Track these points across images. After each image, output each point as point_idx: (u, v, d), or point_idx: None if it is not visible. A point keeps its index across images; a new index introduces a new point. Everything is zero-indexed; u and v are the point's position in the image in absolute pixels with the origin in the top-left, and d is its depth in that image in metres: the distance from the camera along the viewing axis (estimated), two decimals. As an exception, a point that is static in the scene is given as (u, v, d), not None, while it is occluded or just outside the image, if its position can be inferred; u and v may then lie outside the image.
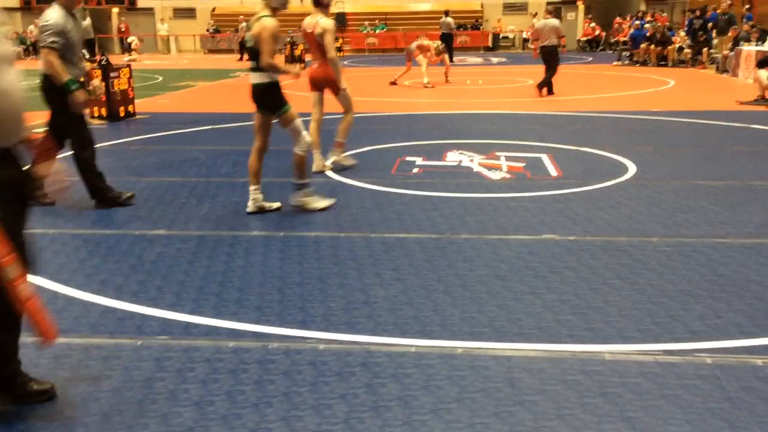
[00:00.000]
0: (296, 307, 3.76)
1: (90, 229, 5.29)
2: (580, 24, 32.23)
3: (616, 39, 25.39)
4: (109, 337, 3.42)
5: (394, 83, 16.11)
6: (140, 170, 7.27)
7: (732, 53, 17.02)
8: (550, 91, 13.17)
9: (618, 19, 27.25)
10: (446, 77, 16.39)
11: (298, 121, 5.55)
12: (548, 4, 33.36)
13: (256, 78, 5.40)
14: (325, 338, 3.39)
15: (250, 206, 5.62)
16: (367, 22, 34.68)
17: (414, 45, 15.80)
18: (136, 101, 11.63)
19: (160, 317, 3.64)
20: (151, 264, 4.46)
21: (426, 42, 15.70)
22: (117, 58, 21.47)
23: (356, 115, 7.53)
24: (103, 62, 10.94)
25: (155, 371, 3.05)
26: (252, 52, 5.32)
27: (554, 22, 12.93)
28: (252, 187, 5.61)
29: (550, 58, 12.83)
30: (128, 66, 11.58)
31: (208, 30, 35.04)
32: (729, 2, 19.89)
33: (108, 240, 4.98)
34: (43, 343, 2.71)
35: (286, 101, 5.47)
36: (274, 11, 5.31)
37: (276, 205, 5.71)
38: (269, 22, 5.21)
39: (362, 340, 3.37)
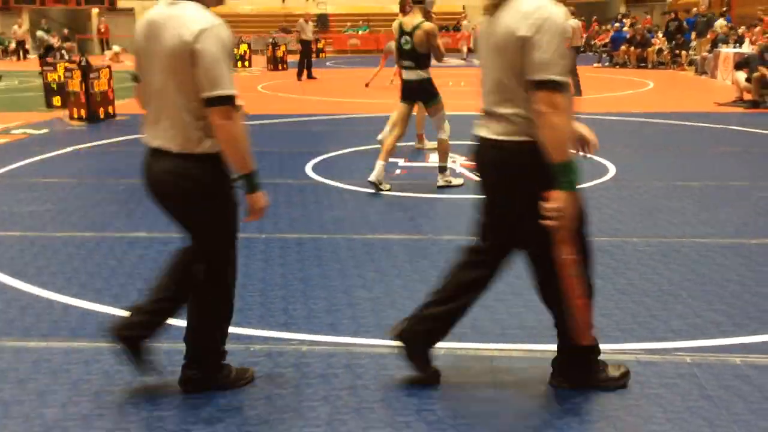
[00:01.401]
0: (279, 309, 3.75)
1: (70, 231, 5.24)
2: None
3: (595, 42, 25.59)
4: (89, 341, 3.38)
5: (367, 85, 16.13)
6: (121, 172, 7.21)
7: (710, 55, 17.22)
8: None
9: (595, 26, 27.44)
10: None
11: (444, 111, 6.30)
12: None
13: (413, 75, 6.18)
14: (308, 340, 3.38)
15: (373, 177, 6.16)
16: (349, 24, 34.67)
17: (393, 44, 15.86)
18: (117, 102, 11.54)
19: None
20: (132, 267, 4.42)
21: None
22: (97, 59, 21.28)
23: (335, 116, 7.51)
24: (82, 63, 10.84)
25: (136, 375, 3.02)
26: (410, 54, 6.10)
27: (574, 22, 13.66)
28: (382, 162, 6.19)
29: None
30: (108, 67, 11.48)
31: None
32: (707, 4, 20.14)
33: (88, 242, 4.93)
34: (581, 341, 2.72)
35: (438, 92, 6.25)
36: (427, 15, 6.11)
37: (387, 187, 6.24)
38: (429, 26, 6.04)
39: (345, 341, 3.37)
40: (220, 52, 2.48)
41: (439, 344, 3.03)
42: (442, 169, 6.43)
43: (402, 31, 6.20)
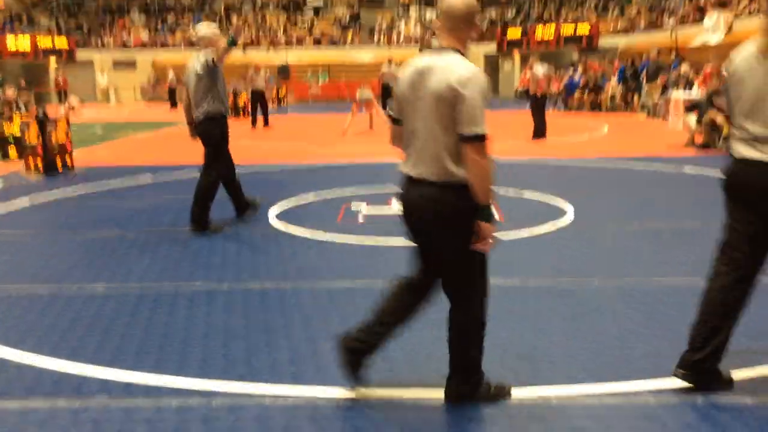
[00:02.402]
0: (241, 360, 3.68)
1: (26, 283, 5.10)
2: (517, 73, 33.30)
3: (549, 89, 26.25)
4: (45, 400, 3.27)
5: (344, 134, 16.28)
6: (78, 224, 7.09)
7: (662, 100, 17.81)
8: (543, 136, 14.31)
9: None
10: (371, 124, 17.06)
11: None
12: (486, 56, 34.57)
13: None
14: (271, 393, 3.32)
15: None
16: (309, 72, 35.09)
17: (365, 97, 16.46)
18: (75, 154, 11.40)
19: (98, 376, 3.51)
20: (90, 320, 4.32)
21: (372, 97, 16.60)
22: (55, 111, 21.08)
23: (298, 165, 7.54)
24: (40, 115, 10.72)
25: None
26: None
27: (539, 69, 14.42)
28: None
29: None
30: (66, 119, 11.38)
31: (148, 81, 34.86)
32: (657, 51, 20.91)
33: (44, 296, 4.81)
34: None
35: None
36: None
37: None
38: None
39: (309, 393, 3.31)
40: (480, 97, 2.84)
41: (404, 391, 2.99)
42: None
43: None
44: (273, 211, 7.43)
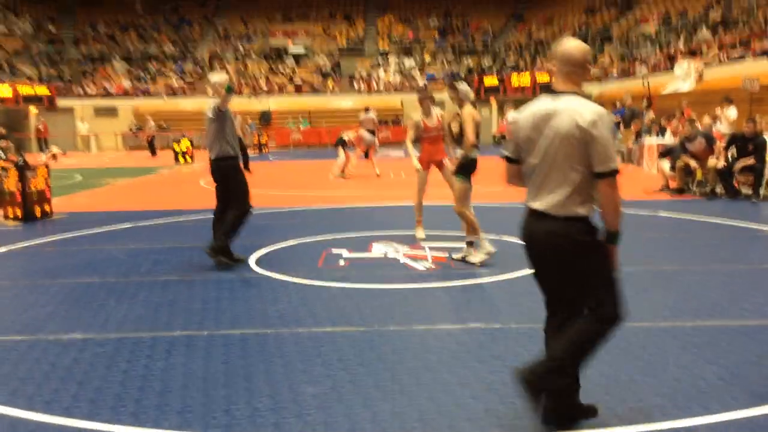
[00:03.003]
0: (221, 409, 3.63)
1: (1, 334, 5.01)
2: (494, 120, 33.84)
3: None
4: (17, 452, 3.20)
5: (345, 177, 16.70)
6: (56, 272, 7.01)
7: (636, 145, 18.15)
8: None
9: None
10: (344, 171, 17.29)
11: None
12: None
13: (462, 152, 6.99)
14: (252, 441, 3.27)
15: (480, 257, 6.94)
16: (291, 118, 35.37)
17: (351, 136, 17.06)
18: (54, 201, 11.33)
19: (75, 427, 3.44)
20: (66, 371, 4.24)
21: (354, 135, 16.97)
22: (34, 158, 20.99)
23: (279, 210, 7.55)
24: (20, 162, 10.67)
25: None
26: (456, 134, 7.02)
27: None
28: (478, 237, 7.00)
29: None
30: (45, 165, 11.34)
31: (130, 129, 34.89)
32: (630, 98, 21.37)
33: (20, 346, 4.72)
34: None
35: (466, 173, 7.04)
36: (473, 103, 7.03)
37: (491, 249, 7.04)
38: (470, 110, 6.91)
39: (291, 441, 3.27)
40: (610, 135, 3.06)
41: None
42: (471, 243, 7.08)
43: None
44: (254, 256, 7.41)
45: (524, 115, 3.25)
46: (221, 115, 6.99)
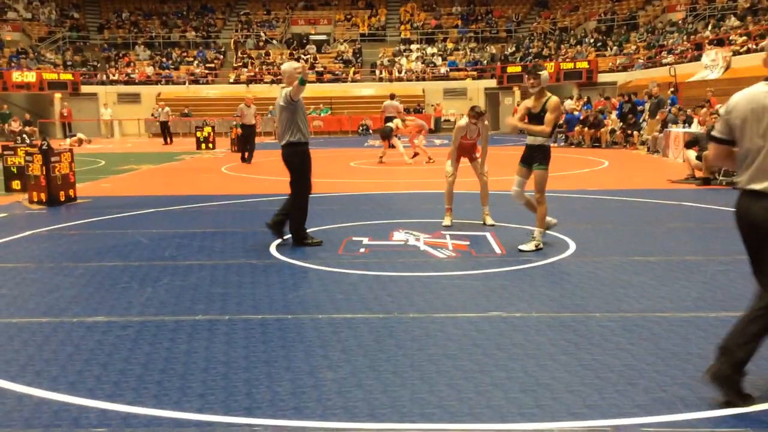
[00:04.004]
0: (242, 393, 3.66)
1: (25, 317, 5.09)
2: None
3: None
4: (43, 431, 3.25)
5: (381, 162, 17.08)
6: (79, 255, 7.09)
7: (661, 135, 17.92)
8: None
9: None
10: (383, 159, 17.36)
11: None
12: (486, 89, 34.91)
13: (536, 140, 7.05)
14: (272, 425, 3.29)
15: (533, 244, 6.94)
16: (312, 106, 35.39)
17: (398, 124, 17.39)
18: (78, 185, 11.46)
19: (98, 408, 3.49)
20: (90, 353, 4.30)
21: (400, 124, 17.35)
22: (59, 143, 21.25)
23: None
24: (44, 147, 10.80)
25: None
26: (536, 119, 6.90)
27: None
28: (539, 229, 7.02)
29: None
30: (69, 150, 11.46)
31: (153, 114, 35.12)
32: (657, 87, 21.08)
33: (44, 328, 4.79)
34: None
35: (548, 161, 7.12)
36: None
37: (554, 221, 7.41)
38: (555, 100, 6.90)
39: (310, 425, 3.29)
40: None
41: (407, 425, 2.95)
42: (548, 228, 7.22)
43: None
44: (275, 242, 7.44)
45: (741, 100, 3.39)
46: (293, 104, 7.21)
